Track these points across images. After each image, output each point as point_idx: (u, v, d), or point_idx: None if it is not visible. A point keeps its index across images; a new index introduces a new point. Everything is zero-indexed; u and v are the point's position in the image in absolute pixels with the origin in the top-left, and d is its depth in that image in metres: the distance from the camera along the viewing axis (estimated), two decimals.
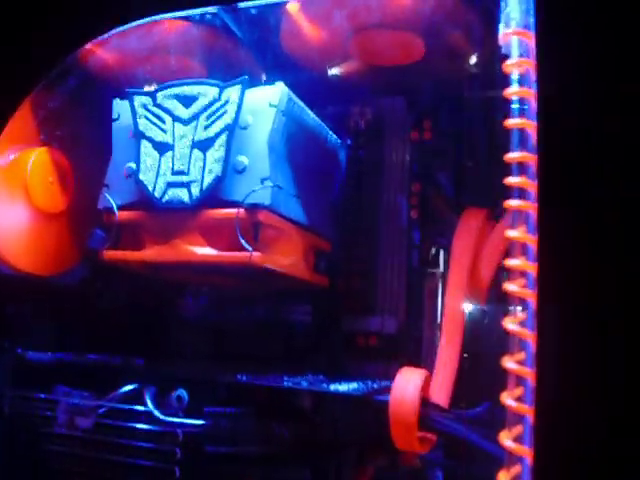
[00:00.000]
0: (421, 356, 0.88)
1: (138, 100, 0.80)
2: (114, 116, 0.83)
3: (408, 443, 0.70)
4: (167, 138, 0.78)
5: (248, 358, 0.90)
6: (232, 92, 0.76)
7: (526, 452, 0.58)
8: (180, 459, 0.73)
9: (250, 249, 0.73)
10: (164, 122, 0.79)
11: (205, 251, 0.76)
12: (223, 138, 0.75)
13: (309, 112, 0.82)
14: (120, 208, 0.79)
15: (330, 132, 0.87)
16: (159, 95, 0.79)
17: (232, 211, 0.74)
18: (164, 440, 0.74)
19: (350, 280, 0.90)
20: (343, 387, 0.75)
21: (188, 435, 0.74)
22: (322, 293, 0.89)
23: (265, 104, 0.76)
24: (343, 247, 0.90)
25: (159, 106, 0.79)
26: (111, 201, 0.79)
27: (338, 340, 0.90)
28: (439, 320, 0.88)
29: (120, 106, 0.83)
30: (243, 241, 0.73)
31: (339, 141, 0.91)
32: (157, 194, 0.77)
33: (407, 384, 0.70)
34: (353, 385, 0.77)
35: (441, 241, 0.86)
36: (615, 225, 0.65)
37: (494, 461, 0.77)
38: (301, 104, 0.80)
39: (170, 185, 0.77)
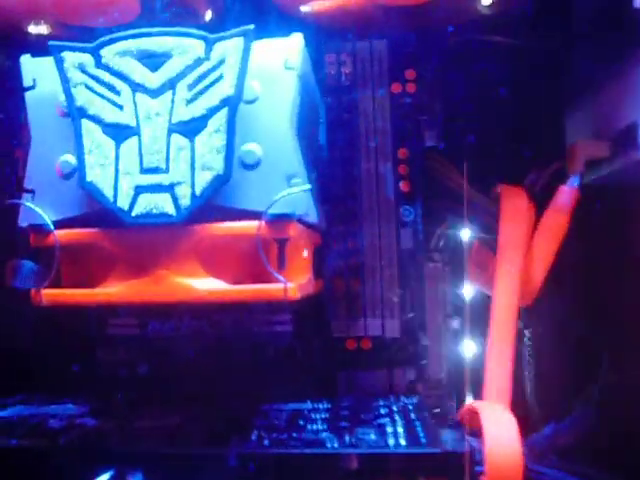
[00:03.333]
0: (424, 363, 0.68)
1: (70, 59, 0.49)
2: (26, 83, 0.51)
3: None
4: (126, 117, 0.48)
5: (221, 390, 0.64)
6: (228, 48, 0.48)
7: None
8: None
9: (283, 280, 0.47)
10: (118, 93, 0.48)
11: (210, 285, 0.49)
12: (221, 117, 0.47)
13: (311, 72, 0.56)
14: (58, 226, 0.50)
15: (318, 94, 0.62)
16: (105, 51, 0.48)
17: (248, 225, 0.48)
18: None
19: (341, 278, 0.67)
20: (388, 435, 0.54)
21: None
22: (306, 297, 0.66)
23: (279, 66, 0.49)
24: (330, 238, 0.66)
25: (107, 68, 0.48)
26: (44, 217, 0.49)
27: (329, 351, 0.67)
28: (444, 317, 0.69)
29: (36, 67, 0.51)
30: (272, 270, 0.47)
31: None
32: (122, 204, 0.47)
33: (504, 433, 0.50)
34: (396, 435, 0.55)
35: (453, 221, 0.65)
36: None
37: None
38: (309, 62, 0.54)
39: (142, 190, 0.48)
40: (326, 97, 0.66)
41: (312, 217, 0.52)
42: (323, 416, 0.59)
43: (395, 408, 0.61)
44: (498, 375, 0.58)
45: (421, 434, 0.54)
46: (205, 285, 0.48)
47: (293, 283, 0.48)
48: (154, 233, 0.48)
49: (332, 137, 0.67)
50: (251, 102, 0.48)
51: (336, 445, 0.52)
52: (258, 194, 0.48)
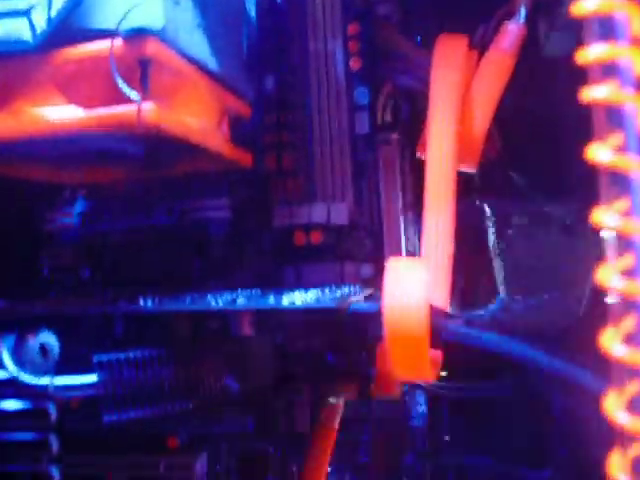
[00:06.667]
0: (384, 251, 0.60)
1: None
2: None
3: (414, 368, 0.42)
4: None
5: (147, 281, 0.59)
6: None
7: None
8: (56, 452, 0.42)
9: (137, 98, 0.42)
10: None
11: (67, 113, 0.43)
12: None
13: None
14: None
15: None
16: None
17: (103, 45, 0.43)
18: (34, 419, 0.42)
19: (279, 157, 0.60)
20: (296, 299, 0.47)
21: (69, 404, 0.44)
22: (243, 178, 0.59)
23: None
24: (266, 111, 0.60)
25: None
26: None
27: (268, 240, 0.60)
28: (402, 200, 0.60)
29: None
30: (124, 86, 0.42)
31: None
32: None
33: (407, 281, 0.42)
34: (309, 295, 0.48)
35: (403, 88, 0.57)
36: None
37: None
38: None
39: None
40: None
41: (191, 47, 0.45)
42: (235, 296, 0.52)
43: (327, 290, 0.54)
44: (435, 252, 0.50)
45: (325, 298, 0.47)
46: (62, 113, 0.43)
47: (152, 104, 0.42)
48: (10, 63, 0.44)
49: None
50: None
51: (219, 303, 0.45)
52: (118, 10, 0.42)
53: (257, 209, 0.60)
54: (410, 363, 0.41)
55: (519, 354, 0.41)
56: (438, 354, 0.44)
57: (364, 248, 0.60)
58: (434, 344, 0.42)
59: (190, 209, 0.59)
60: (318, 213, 0.59)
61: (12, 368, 0.41)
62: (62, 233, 0.62)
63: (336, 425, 0.54)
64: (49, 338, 0.40)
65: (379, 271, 0.60)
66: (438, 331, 0.42)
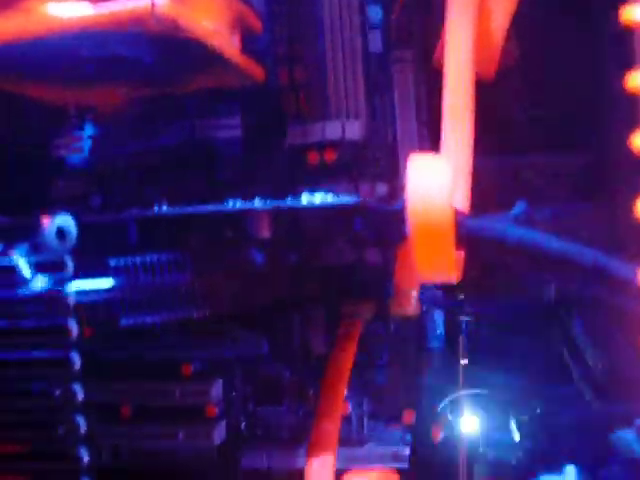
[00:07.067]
0: (399, 168, 0.59)
1: None
2: None
3: (439, 265, 0.41)
4: None
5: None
6: None
7: None
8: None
9: None
10: None
11: (78, 10, 0.42)
12: None
13: None
14: None
15: None
16: None
17: None
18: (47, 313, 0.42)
19: (292, 71, 0.59)
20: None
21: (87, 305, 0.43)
22: (255, 95, 0.58)
23: None
24: (277, 26, 0.59)
25: None
26: None
27: (281, 159, 0.59)
28: (417, 118, 0.59)
29: None
30: None
31: None
32: None
33: (431, 174, 0.41)
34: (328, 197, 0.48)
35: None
36: None
37: None
38: None
39: None
40: None
41: None
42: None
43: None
44: (455, 159, 0.48)
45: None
46: (72, 11, 0.42)
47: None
48: None
49: None
50: None
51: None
52: None
53: (269, 128, 0.59)
54: (435, 259, 0.41)
55: (546, 248, 0.40)
56: (461, 254, 0.44)
57: (379, 166, 0.59)
58: (457, 243, 0.42)
59: (201, 128, 0.59)
60: (332, 130, 0.58)
61: (27, 270, 0.41)
62: (72, 159, 0.62)
63: (354, 346, 0.54)
64: (67, 221, 0.39)
65: (394, 189, 0.60)
66: (462, 228, 0.41)
